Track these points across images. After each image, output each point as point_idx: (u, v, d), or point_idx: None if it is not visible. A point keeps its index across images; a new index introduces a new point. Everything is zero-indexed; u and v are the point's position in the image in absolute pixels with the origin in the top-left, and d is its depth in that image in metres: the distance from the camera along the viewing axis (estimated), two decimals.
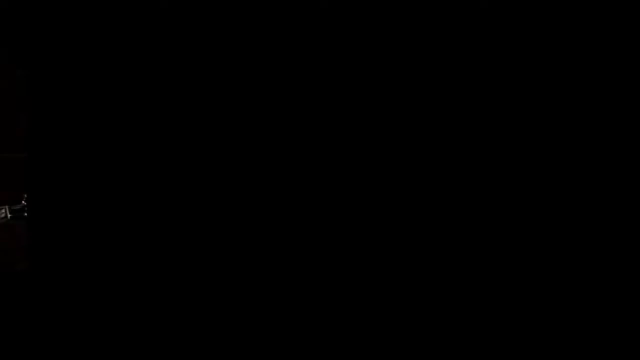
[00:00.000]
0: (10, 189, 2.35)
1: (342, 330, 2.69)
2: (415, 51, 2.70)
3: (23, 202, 2.35)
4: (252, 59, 2.87)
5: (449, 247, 2.67)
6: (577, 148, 2.68)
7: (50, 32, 3.03)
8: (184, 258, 2.83)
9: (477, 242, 2.66)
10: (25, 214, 2.34)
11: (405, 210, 2.71)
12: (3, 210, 2.32)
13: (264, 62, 2.84)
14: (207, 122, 2.88)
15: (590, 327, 2.65)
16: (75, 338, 2.83)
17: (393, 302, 2.68)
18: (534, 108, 2.68)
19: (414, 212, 2.70)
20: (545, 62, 2.64)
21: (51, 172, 2.94)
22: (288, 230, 2.74)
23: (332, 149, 2.76)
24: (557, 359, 2.61)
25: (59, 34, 3.02)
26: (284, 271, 2.72)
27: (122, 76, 2.95)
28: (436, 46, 2.69)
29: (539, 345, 2.63)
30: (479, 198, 2.66)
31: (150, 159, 2.89)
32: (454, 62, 2.68)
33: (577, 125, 2.67)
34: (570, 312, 2.65)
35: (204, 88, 2.89)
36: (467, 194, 2.68)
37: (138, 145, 2.93)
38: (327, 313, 2.70)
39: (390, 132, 2.73)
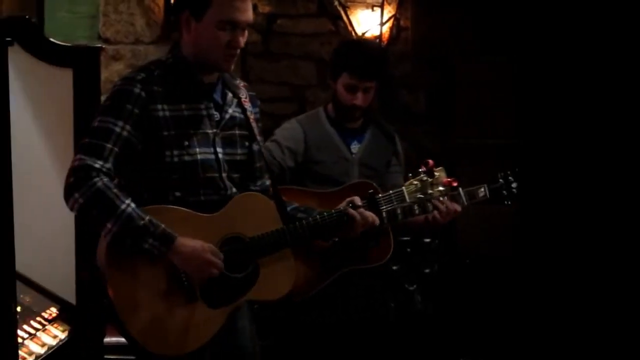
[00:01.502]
0: (494, 171, 2.45)
1: None
2: None
3: (500, 180, 2.44)
4: None
5: None
6: None
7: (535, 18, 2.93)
8: None
9: None
10: (504, 192, 2.42)
11: None
12: (482, 189, 2.40)
13: None
14: None
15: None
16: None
17: None
18: None
19: None
20: None
21: (542, 161, 3.02)
22: None
23: None
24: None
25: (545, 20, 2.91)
26: None
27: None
28: None
29: None
30: None
31: None
32: None
33: None
34: None
35: None
36: None
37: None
38: None
39: None
